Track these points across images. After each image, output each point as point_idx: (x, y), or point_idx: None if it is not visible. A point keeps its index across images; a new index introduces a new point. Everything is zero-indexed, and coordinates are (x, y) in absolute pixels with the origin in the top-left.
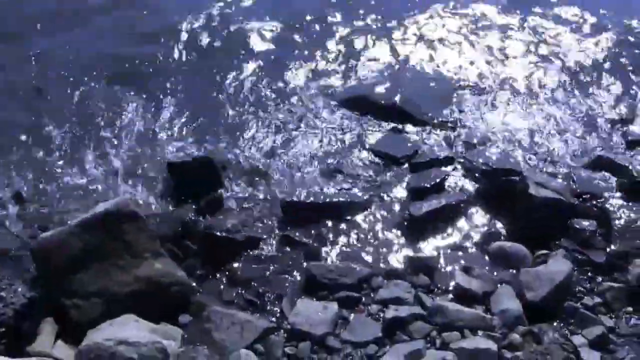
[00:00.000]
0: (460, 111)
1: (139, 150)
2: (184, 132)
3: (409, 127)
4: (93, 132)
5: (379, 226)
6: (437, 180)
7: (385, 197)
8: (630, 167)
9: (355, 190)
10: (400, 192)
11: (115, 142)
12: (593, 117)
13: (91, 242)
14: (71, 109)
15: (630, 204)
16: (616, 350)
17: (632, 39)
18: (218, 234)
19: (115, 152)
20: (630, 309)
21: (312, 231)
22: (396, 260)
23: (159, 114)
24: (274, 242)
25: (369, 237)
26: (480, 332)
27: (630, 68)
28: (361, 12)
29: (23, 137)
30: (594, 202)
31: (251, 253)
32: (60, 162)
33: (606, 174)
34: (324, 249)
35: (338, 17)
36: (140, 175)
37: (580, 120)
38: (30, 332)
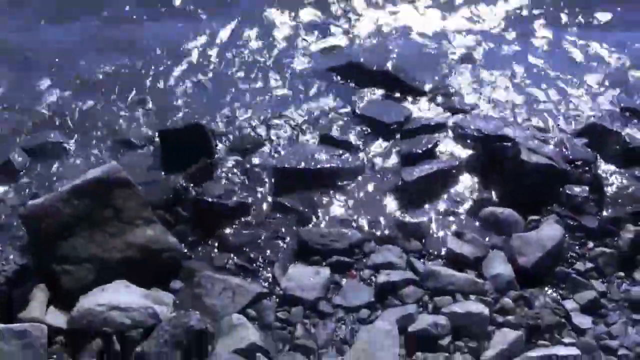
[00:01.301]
0: (453, 78)
1: (128, 118)
2: (173, 100)
3: (401, 94)
4: (83, 100)
5: (370, 192)
6: (429, 146)
7: (377, 163)
8: (622, 134)
9: (347, 156)
10: (391, 158)
11: (105, 110)
12: (586, 84)
13: (81, 209)
14: (61, 75)
15: (622, 170)
16: (607, 315)
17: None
18: (209, 200)
19: (105, 120)
20: (621, 274)
21: (304, 197)
22: (388, 225)
23: (148, 81)
24: (265, 208)
25: (360, 202)
26: (472, 297)
27: (623, 35)
28: None
29: (11, 104)
30: (586, 169)
31: (242, 219)
32: (51, 130)
33: (599, 140)
34: (315, 215)
35: None
36: (131, 143)
37: (573, 87)
38: (21, 299)
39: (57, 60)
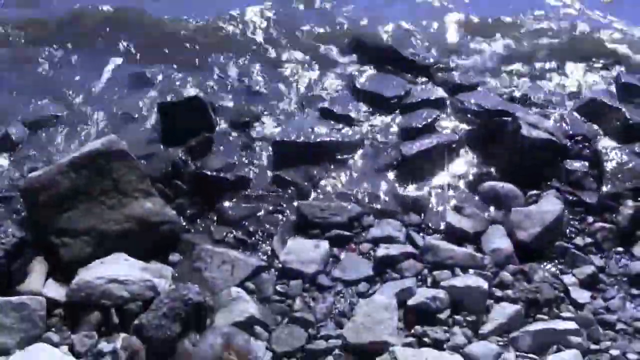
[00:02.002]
0: (453, 52)
1: (128, 92)
2: (173, 75)
3: (401, 68)
4: (82, 75)
5: (370, 165)
6: (429, 120)
7: (377, 137)
8: (622, 110)
9: (347, 130)
10: (391, 132)
11: (105, 85)
12: (586, 59)
13: (80, 181)
14: (60, 52)
15: (621, 145)
16: (606, 289)
17: None
18: (208, 173)
19: (105, 94)
20: (620, 249)
21: (303, 170)
22: (387, 199)
23: (148, 57)
24: (264, 181)
25: (360, 176)
26: (471, 271)
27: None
28: None
29: (10, 81)
30: (586, 144)
31: (242, 192)
32: (49, 104)
33: (599, 116)
34: (315, 189)
35: None
36: (130, 117)
37: (573, 62)
38: (20, 272)
39: (58, 31)
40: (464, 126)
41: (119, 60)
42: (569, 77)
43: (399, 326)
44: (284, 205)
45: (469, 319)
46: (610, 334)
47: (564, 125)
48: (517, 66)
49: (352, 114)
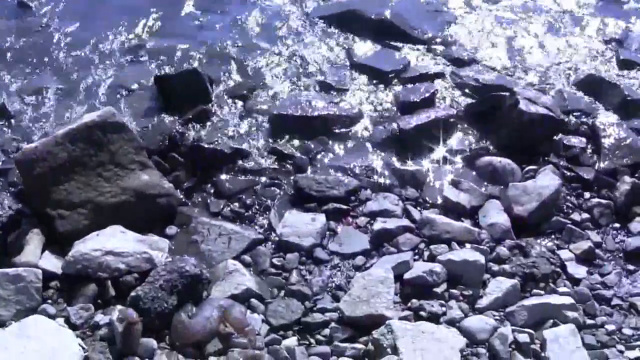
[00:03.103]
0: (452, 27)
1: (125, 63)
2: (170, 47)
3: (399, 42)
4: (79, 47)
5: (367, 139)
6: (427, 94)
7: (375, 111)
8: (621, 86)
9: (344, 104)
10: (389, 106)
11: (101, 57)
12: (586, 36)
13: (76, 153)
14: (55, 25)
15: (619, 121)
16: (602, 265)
17: None
18: (205, 146)
19: (102, 67)
20: (617, 225)
21: (300, 144)
22: (385, 173)
23: (144, 28)
24: (262, 154)
25: (357, 150)
26: (468, 245)
27: None
28: None
29: (6, 52)
30: (584, 120)
31: (239, 165)
32: (46, 76)
33: (597, 91)
34: (312, 162)
35: None
36: (128, 89)
37: (572, 38)
38: (16, 244)
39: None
40: (462, 100)
41: (116, 32)
42: (568, 52)
43: (396, 300)
44: (281, 179)
45: (465, 293)
46: (606, 309)
47: (562, 100)
48: (515, 41)
49: (350, 88)
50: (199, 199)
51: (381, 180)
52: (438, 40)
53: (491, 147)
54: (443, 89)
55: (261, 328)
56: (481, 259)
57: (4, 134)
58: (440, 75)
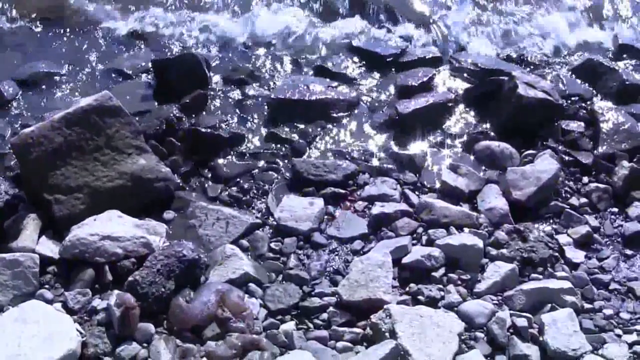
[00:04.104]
0: (451, 11)
1: (122, 48)
2: (167, 31)
3: (397, 26)
4: (75, 31)
5: (365, 123)
6: (425, 79)
7: (372, 95)
8: (619, 70)
9: (342, 88)
10: (387, 90)
11: (99, 42)
12: (584, 20)
13: (73, 137)
14: (50, 8)
15: (618, 106)
16: (600, 249)
17: None
18: (203, 130)
19: (99, 51)
20: (615, 209)
21: (298, 128)
22: (383, 157)
23: (142, 13)
24: (259, 139)
25: (355, 134)
26: (466, 230)
27: None
28: None
29: (1, 38)
30: (583, 104)
31: (236, 150)
32: (42, 60)
33: (595, 76)
34: (310, 146)
35: None
36: (124, 73)
37: (571, 21)
38: (13, 228)
39: None
40: (460, 85)
41: (112, 17)
42: (567, 37)
43: (394, 284)
44: (279, 163)
45: (463, 277)
46: (604, 293)
47: (560, 84)
48: (514, 25)
49: (348, 72)
50: (197, 184)
51: (379, 164)
52: (437, 23)
53: (490, 132)
54: (441, 73)
55: (259, 312)
56: (479, 243)
57: (0, 119)
58: (438, 59)
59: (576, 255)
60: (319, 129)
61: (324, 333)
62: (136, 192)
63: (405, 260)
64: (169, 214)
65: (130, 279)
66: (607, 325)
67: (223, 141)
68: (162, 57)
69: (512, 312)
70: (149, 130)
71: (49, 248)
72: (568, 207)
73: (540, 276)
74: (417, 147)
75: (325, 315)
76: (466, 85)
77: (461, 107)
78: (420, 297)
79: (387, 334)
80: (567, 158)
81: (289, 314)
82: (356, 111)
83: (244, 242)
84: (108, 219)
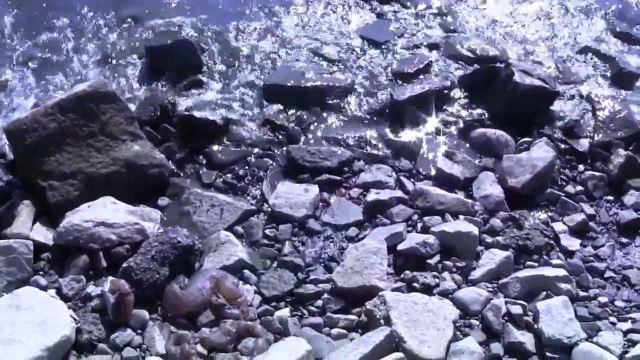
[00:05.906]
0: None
1: (117, 35)
2: (162, 19)
3: (394, 13)
4: (71, 19)
5: (361, 110)
6: (421, 65)
7: (368, 82)
8: (616, 58)
9: (338, 74)
10: (383, 77)
11: (94, 28)
12: (582, 8)
13: (67, 123)
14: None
15: (614, 94)
16: (596, 237)
17: None
18: (198, 116)
19: (94, 38)
20: (610, 197)
21: (294, 114)
22: (378, 144)
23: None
24: (254, 125)
25: (351, 121)
26: (461, 217)
27: None
28: None
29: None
30: (579, 92)
31: (231, 136)
32: (38, 47)
33: (592, 63)
34: (305, 133)
35: None
36: (119, 60)
37: (568, 11)
38: (7, 215)
39: None
40: (456, 72)
41: (108, 3)
42: (564, 24)
43: (389, 271)
44: (274, 149)
45: (458, 264)
46: (599, 281)
47: (557, 72)
48: (511, 12)
49: (344, 58)
50: (191, 170)
51: (375, 151)
52: (433, 10)
53: (485, 119)
54: (437, 60)
55: (254, 299)
56: (475, 230)
57: None
58: (434, 45)
59: (571, 243)
60: (314, 116)
61: (318, 320)
62: (130, 179)
63: (400, 247)
64: (163, 201)
65: (124, 265)
66: (602, 313)
67: (218, 127)
68: (156, 42)
69: (507, 299)
70: (143, 117)
71: (43, 234)
72: (564, 194)
73: (536, 264)
74: (412, 134)
75: (319, 302)
76: (462, 72)
77: (457, 94)
78: (415, 284)
79: (381, 321)
80: (562, 146)
81: (284, 301)
82: (352, 98)
83: (239, 228)
84: (102, 205)
